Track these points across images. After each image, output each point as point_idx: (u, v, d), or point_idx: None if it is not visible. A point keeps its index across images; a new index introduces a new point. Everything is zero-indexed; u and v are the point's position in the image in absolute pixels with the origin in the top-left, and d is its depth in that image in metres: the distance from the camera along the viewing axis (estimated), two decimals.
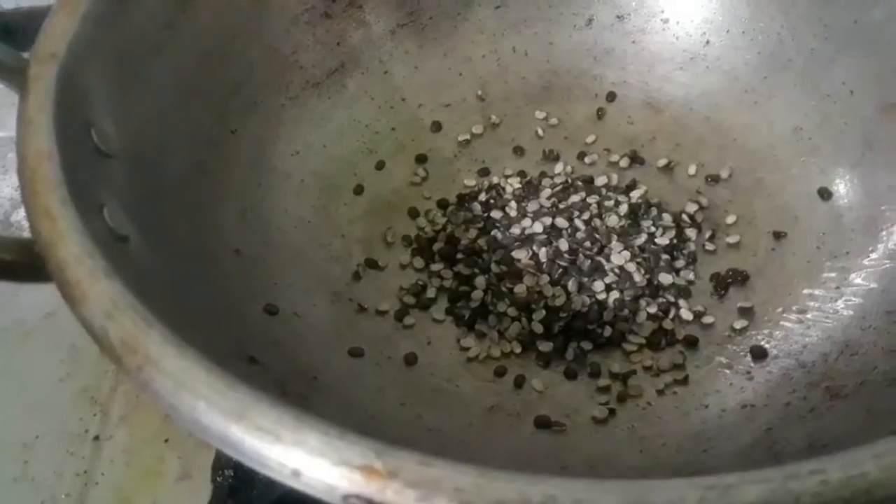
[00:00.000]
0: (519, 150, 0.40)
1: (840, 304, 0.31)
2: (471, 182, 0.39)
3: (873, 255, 0.32)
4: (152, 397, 0.18)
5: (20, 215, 0.45)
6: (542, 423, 0.30)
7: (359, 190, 0.38)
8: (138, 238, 0.25)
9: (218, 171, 0.33)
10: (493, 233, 0.36)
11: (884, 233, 0.33)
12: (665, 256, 0.35)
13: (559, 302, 0.33)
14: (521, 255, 0.35)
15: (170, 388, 0.18)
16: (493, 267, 0.35)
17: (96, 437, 0.35)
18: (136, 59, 0.29)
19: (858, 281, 0.32)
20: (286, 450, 0.16)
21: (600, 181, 0.38)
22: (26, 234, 0.23)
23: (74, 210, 0.21)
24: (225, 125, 0.34)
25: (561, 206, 0.37)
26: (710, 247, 0.36)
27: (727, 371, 0.31)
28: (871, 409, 0.25)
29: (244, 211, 0.34)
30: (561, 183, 0.38)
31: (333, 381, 0.29)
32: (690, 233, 0.36)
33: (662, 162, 0.39)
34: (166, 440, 0.35)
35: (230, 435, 0.17)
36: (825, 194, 0.35)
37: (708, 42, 0.40)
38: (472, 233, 0.37)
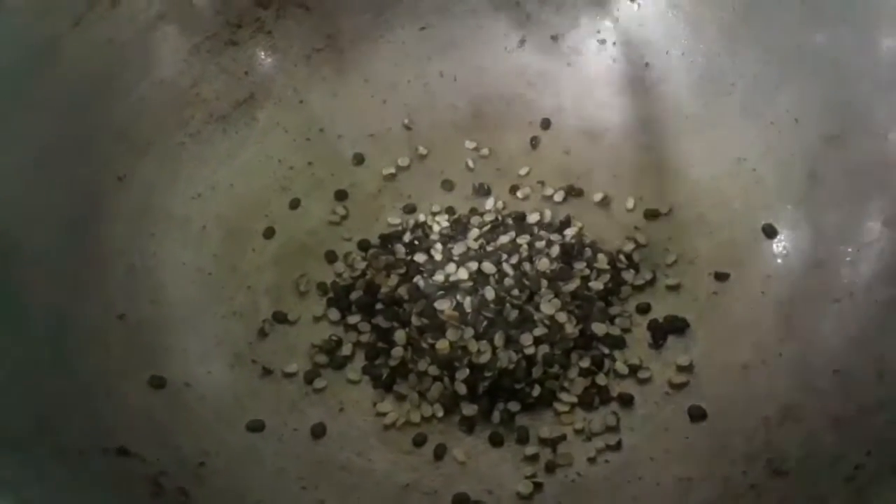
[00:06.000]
0: (448, 184, 0.37)
1: (784, 358, 0.29)
2: (395, 220, 0.36)
3: (820, 302, 0.30)
4: None
5: None
6: (461, 503, 0.27)
7: (269, 233, 0.35)
8: None
9: (100, 226, 0.30)
10: (415, 279, 0.33)
11: (831, 276, 0.30)
12: (599, 303, 0.32)
13: (484, 359, 0.31)
14: (444, 305, 0.32)
15: None
16: (415, 319, 0.32)
17: None
18: None
19: (804, 331, 0.29)
20: None
21: (532, 218, 0.35)
22: None
23: None
24: (109, 172, 0.31)
25: (489, 248, 0.34)
26: (648, 290, 0.33)
27: (664, 435, 0.29)
28: (812, 497, 0.22)
29: (132, 268, 0.31)
30: (490, 221, 0.35)
31: (225, 464, 0.27)
32: (627, 275, 0.33)
33: (599, 196, 0.36)
34: None
35: None
36: (770, 232, 0.33)
37: (647, 64, 0.37)
38: (394, 279, 0.34)
